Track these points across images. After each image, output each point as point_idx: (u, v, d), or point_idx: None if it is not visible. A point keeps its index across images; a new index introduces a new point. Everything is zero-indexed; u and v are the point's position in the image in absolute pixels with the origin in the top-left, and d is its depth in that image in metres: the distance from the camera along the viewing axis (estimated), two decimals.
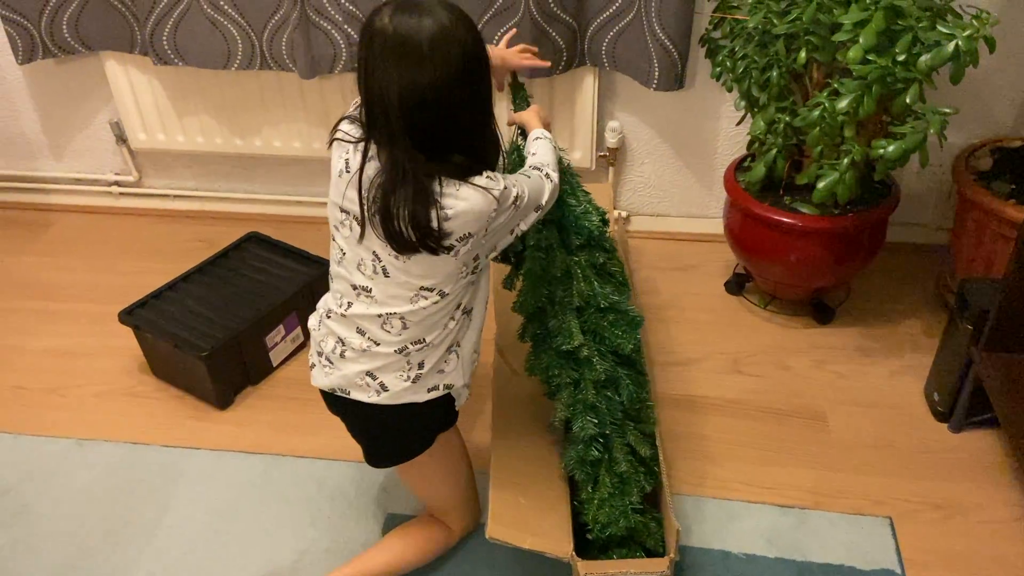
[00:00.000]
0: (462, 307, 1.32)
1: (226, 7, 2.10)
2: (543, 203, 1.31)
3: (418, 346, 1.30)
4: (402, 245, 1.17)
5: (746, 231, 2.03)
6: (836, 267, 1.98)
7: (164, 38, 2.17)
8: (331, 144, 1.26)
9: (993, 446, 1.78)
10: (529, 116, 1.48)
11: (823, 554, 1.59)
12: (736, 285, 2.25)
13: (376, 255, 1.24)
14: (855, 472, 1.75)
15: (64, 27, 2.24)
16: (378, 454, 1.46)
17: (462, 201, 1.16)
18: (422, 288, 1.24)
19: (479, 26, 2.06)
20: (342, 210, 1.25)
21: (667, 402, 1.93)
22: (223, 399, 1.97)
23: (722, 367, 2.02)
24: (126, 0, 2.18)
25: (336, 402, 1.39)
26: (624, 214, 2.47)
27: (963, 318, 1.72)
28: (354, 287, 1.29)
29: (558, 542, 1.41)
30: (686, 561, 1.58)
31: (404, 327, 1.28)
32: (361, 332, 1.30)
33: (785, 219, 1.90)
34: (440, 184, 1.15)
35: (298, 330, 2.10)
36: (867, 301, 2.19)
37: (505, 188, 1.20)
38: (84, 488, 1.79)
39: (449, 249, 1.19)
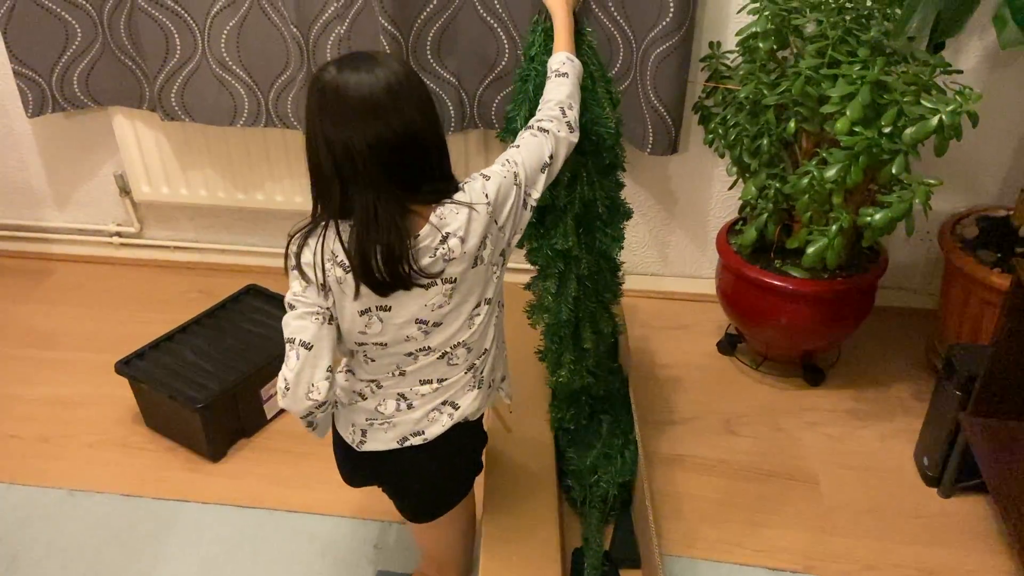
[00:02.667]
0: (498, 302, 1.33)
1: (234, 67, 2.17)
2: (547, 160, 1.27)
3: (482, 357, 1.31)
4: (381, 286, 1.15)
5: (738, 292, 2.06)
6: (826, 330, 2.01)
7: (172, 95, 2.23)
8: (323, 287, 1.18)
9: (983, 511, 1.79)
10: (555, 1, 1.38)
11: None
12: (728, 345, 2.28)
13: (421, 321, 1.21)
14: (846, 536, 1.75)
15: (75, 82, 2.30)
16: (431, 501, 1.41)
17: (459, 222, 1.16)
18: (473, 309, 1.25)
19: (480, 90, 2.14)
20: (362, 313, 1.20)
21: (659, 461, 1.93)
22: (216, 451, 1.97)
23: (714, 427, 2.04)
24: (136, 58, 2.25)
25: (386, 459, 1.33)
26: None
27: (951, 383, 1.75)
28: (408, 354, 1.26)
29: None
30: None
31: (468, 350, 1.28)
32: (426, 381, 1.29)
33: (776, 282, 1.94)
34: (439, 215, 1.16)
35: None
36: (858, 364, 2.22)
37: (488, 180, 1.21)
38: (75, 539, 1.78)
39: (434, 276, 1.17)
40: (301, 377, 1.17)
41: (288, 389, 1.19)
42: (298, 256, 1.18)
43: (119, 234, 2.70)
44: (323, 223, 1.17)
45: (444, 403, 1.31)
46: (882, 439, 1.99)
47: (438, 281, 1.19)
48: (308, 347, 1.17)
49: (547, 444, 1.75)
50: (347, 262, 1.15)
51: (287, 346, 1.19)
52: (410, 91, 1.13)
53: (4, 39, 2.21)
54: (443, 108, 2.14)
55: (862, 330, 2.16)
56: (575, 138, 1.32)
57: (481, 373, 1.33)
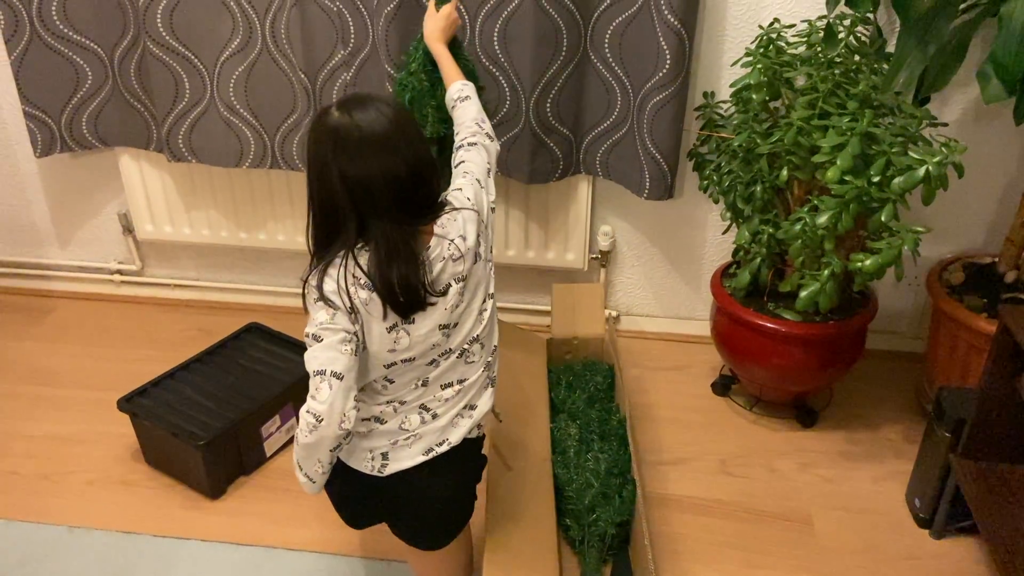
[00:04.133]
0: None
1: (242, 110, 2.22)
2: (488, 165, 1.43)
3: (494, 353, 1.39)
4: (403, 307, 1.23)
5: (732, 334, 2.10)
6: (818, 372, 2.05)
7: (180, 137, 2.28)
8: (351, 312, 1.22)
9: (975, 553, 1.81)
10: (431, 30, 1.64)
11: None
12: (722, 386, 2.31)
13: (443, 327, 1.28)
14: None
15: (83, 124, 2.35)
16: (445, 521, 1.44)
17: (458, 226, 1.29)
18: (482, 304, 1.34)
19: None
20: (390, 330, 1.25)
21: (655, 501, 1.96)
22: (216, 489, 1.98)
23: (709, 468, 2.06)
24: (145, 101, 2.30)
25: (405, 481, 1.36)
26: (615, 313, 2.55)
27: (941, 426, 1.78)
28: (431, 362, 1.31)
29: None
30: None
31: (481, 345, 1.35)
32: (448, 385, 1.34)
33: (769, 324, 1.98)
34: (440, 225, 1.27)
35: (293, 420, 2.13)
36: (850, 406, 2.25)
37: (460, 190, 1.34)
38: None
39: (443, 292, 1.27)
40: (334, 408, 1.18)
41: (321, 421, 1.18)
42: (320, 287, 1.22)
43: (120, 272, 2.73)
44: (340, 254, 1.22)
45: (465, 407, 1.37)
46: (874, 481, 2.02)
47: (452, 282, 1.27)
48: (340, 377, 1.19)
49: (546, 482, 1.77)
50: (371, 283, 1.21)
51: (316, 379, 1.19)
52: (409, 123, 1.25)
53: (16, 81, 2.26)
54: None
55: (854, 373, 2.20)
56: (497, 146, 1.49)
57: (493, 371, 1.40)
